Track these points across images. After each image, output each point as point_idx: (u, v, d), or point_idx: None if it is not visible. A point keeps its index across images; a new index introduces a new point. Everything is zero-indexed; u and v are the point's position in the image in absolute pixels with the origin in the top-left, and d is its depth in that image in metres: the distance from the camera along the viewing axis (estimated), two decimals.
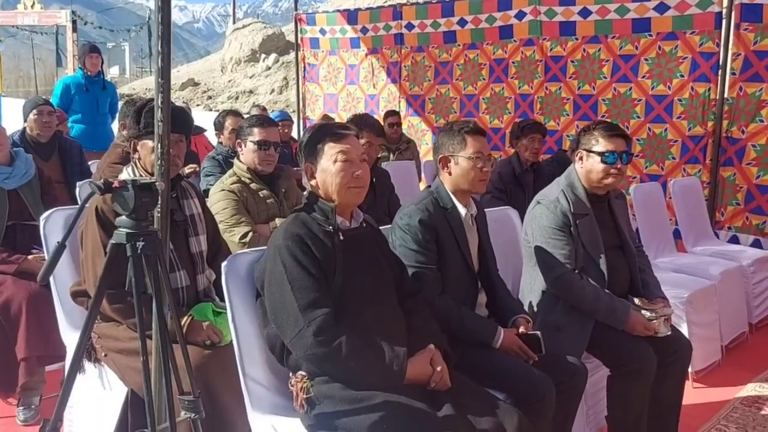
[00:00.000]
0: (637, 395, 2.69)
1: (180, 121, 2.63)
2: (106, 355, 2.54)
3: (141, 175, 2.63)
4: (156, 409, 1.90)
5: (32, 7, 23.94)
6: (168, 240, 2.16)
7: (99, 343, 2.55)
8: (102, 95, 6.25)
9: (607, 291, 2.77)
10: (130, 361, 2.41)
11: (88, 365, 2.64)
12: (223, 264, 2.23)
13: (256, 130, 3.40)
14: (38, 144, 4.36)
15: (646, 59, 5.99)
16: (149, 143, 2.62)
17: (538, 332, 2.47)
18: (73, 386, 1.81)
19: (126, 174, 2.68)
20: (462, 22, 7.22)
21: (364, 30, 8.02)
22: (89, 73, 6.18)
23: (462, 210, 2.60)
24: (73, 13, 23.69)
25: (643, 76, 6.03)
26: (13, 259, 3.21)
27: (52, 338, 2.98)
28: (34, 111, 4.36)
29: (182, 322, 2.39)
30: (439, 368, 2.08)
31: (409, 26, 7.64)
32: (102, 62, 6.34)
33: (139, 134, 2.67)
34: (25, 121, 4.45)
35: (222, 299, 2.54)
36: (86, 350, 2.57)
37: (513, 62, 6.89)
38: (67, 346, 2.85)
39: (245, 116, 5.07)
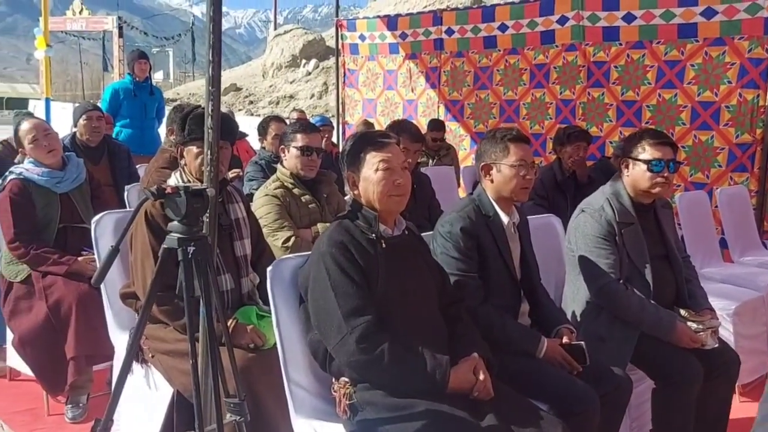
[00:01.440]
0: (683, 408, 2.63)
1: (225, 127, 2.68)
2: (153, 356, 2.59)
3: (188, 181, 2.69)
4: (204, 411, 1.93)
5: (80, 12, 24.66)
6: (215, 244, 2.20)
7: (146, 344, 2.61)
8: (149, 100, 6.39)
9: (652, 302, 2.73)
10: (176, 362, 2.46)
11: (135, 366, 2.70)
12: (268, 269, 2.26)
13: (299, 135, 3.45)
14: (88, 148, 4.48)
15: (692, 65, 5.87)
16: (194, 149, 2.68)
17: (582, 343, 2.45)
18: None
19: (174, 179, 2.74)
20: (503, 27, 7.17)
21: (404, 35, 8.03)
22: (138, 79, 6.33)
23: (504, 218, 2.59)
24: (120, 18, 24.36)
25: (689, 83, 5.91)
26: (64, 260, 3.29)
27: (100, 338, 3.04)
28: (84, 116, 4.49)
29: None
30: (482, 377, 2.08)
31: (449, 31, 7.62)
32: (150, 68, 6.49)
33: (185, 141, 2.73)
34: (75, 125, 4.58)
35: (265, 302, 2.58)
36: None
37: (554, 67, 6.82)
38: (116, 346, 2.93)
39: (287, 121, 5.15)
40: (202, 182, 2.36)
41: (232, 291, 2.69)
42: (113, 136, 5.79)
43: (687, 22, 5.82)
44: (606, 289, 2.71)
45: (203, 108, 2.46)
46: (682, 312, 2.77)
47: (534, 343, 2.44)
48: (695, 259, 4.03)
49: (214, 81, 1.99)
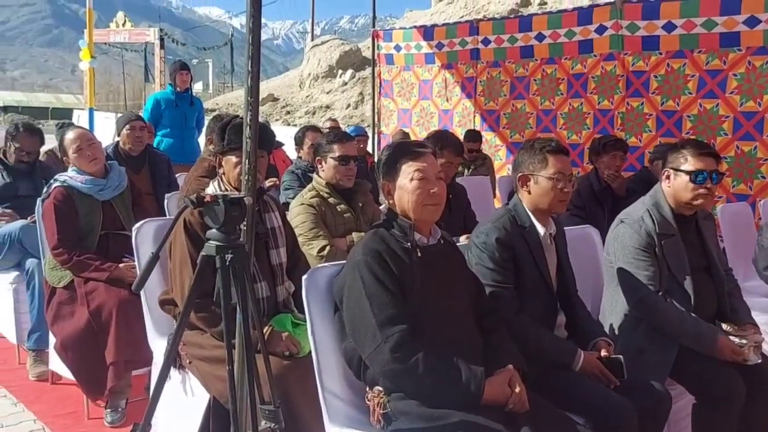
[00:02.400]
0: (724, 425, 2.56)
1: (262, 137, 2.71)
2: (190, 362, 2.63)
3: (226, 190, 2.73)
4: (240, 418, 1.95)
5: (123, 25, 25.30)
6: (252, 252, 2.22)
7: (184, 350, 2.64)
8: (190, 110, 6.52)
9: (693, 315, 2.67)
10: (213, 368, 2.49)
11: (172, 371, 2.74)
12: (304, 277, 2.28)
13: (335, 146, 3.47)
14: (130, 157, 4.58)
15: (734, 74, 5.75)
16: (233, 158, 2.72)
17: (620, 356, 2.40)
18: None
19: (212, 188, 2.78)
20: (540, 37, 7.13)
21: (440, 45, 8.04)
22: (179, 89, 6.46)
23: (540, 229, 2.56)
24: (161, 30, 24.92)
25: (732, 92, 5.79)
26: (106, 266, 3.36)
27: (139, 344, 3.09)
28: (128, 126, 4.60)
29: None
30: (517, 389, 2.06)
31: (486, 41, 7.60)
32: (191, 79, 6.62)
33: (224, 150, 2.77)
34: (119, 135, 4.69)
35: (300, 310, 2.60)
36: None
37: (592, 77, 6.75)
38: (154, 351, 2.97)
39: (323, 131, 5.19)
40: (239, 191, 2.40)
41: (267, 299, 2.72)
42: (154, 145, 5.91)
43: (729, 31, 5.71)
44: (645, 301, 2.66)
45: (242, 118, 2.50)
46: (724, 326, 2.71)
47: (570, 355, 2.40)
48: (737, 272, 3.92)
49: (253, 91, 2.02)
